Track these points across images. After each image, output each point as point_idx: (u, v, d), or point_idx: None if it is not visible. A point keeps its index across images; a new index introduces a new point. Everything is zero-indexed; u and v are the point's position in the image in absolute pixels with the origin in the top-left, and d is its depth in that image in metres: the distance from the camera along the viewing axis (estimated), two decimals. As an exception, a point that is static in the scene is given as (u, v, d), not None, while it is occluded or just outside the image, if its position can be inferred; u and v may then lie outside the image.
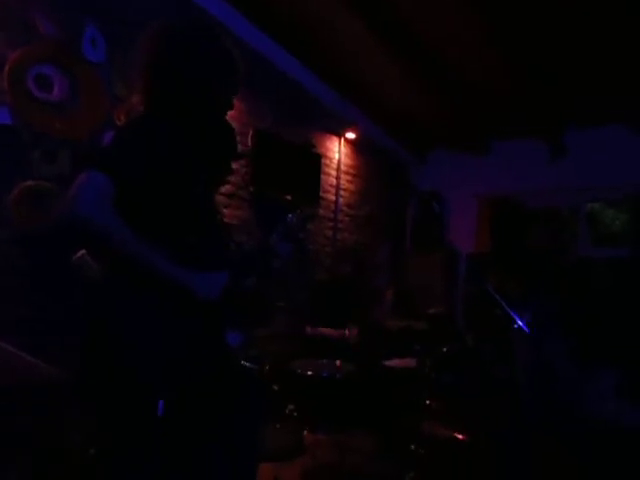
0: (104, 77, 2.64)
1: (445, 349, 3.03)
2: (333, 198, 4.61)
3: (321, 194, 4.39)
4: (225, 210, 3.43)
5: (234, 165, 3.37)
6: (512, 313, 2.15)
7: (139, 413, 1.03)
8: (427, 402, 2.86)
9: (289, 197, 3.91)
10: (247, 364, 2.30)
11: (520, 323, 2.13)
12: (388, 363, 3.11)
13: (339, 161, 4.66)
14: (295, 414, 2.74)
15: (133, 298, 1.10)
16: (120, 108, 2.65)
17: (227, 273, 1.20)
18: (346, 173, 4.78)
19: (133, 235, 1.06)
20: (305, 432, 2.89)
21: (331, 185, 4.59)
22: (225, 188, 3.43)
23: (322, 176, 4.40)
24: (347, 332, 3.33)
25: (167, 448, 1.13)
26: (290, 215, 1.45)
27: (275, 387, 2.83)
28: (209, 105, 1.29)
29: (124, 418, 1.07)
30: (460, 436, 2.71)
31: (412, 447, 2.62)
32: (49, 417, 1.73)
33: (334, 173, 4.62)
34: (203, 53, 1.24)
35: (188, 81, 1.23)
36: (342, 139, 4.66)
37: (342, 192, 4.71)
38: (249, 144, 3.57)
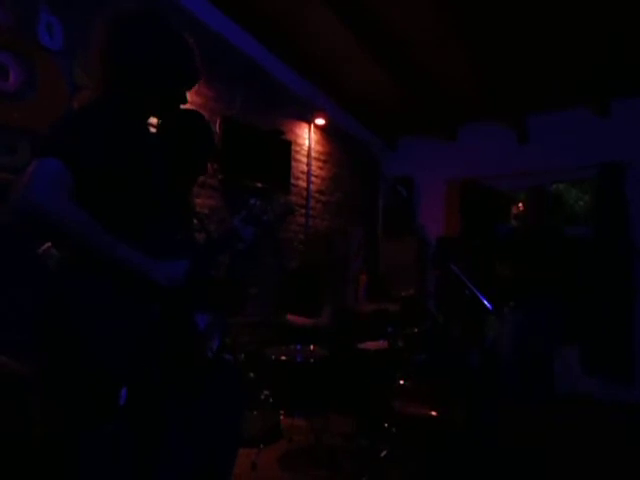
0: (63, 65, 2.55)
1: (416, 329, 3.10)
2: (304, 185, 4.61)
3: (292, 181, 4.38)
4: (197, 200, 3.39)
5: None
6: (478, 293, 2.20)
7: (103, 402, 1.03)
8: (401, 382, 2.92)
9: (260, 184, 3.89)
10: (224, 353, 2.30)
11: (486, 303, 2.18)
12: (361, 346, 3.17)
13: (309, 147, 4.65)
14: (271, 400, 2.77)
15: (93, 286, 1.08)
16: (81, 96, 2.57)
17: (189, 260, 1.18)
18: (317, 159, 4.78)
19: (92, 222, 1.03)
20: (281, 417, 2.93)
21: (302, 172, 4.58)
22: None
23: (293, 163, 4.39)
24: (318, 320, 3.36)
25: (138, 438, 1.13)
26: (253, 200, 1.45)
27: (251, 375, 2.85)
28: (163, 91, 1.27)
29: (88, 408, 1.06)
30: (433, 412, 2.79)
31: (385, 425, 2.68)
32: (14, 412, 1.70)
33: (304, 160, 4.62)
34: (156, 39, 1.22)
35: (141, 67, 1.20)
36: (312, 125, 4.65)
37: (313, 178, 4.71)
38: (217, 131, 3.53)
